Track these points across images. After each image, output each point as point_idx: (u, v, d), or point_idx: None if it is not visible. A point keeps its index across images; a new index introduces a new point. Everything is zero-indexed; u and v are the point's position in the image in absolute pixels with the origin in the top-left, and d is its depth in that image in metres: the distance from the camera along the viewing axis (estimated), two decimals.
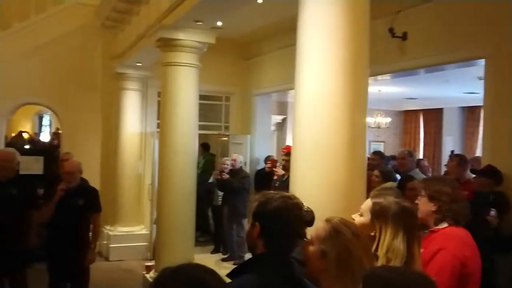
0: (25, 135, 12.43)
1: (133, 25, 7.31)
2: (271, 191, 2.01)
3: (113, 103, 8.43)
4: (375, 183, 5.00)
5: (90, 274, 5.15)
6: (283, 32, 6.72)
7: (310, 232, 1.98)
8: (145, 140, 8.42)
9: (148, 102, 8.50)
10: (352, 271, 1.83)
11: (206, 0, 4.70)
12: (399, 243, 2.11)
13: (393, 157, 7.41)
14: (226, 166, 7.66)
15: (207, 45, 5.92)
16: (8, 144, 8.46)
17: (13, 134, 11.92)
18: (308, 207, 2.04)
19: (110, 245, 7.98)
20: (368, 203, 2.32)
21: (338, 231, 1.93)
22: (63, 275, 5.02)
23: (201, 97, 6.47)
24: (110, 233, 8.10)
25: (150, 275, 6.43)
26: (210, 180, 8.30)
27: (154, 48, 6.02)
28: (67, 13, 8.34)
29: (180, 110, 5.80)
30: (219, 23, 5.67)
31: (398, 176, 5.27)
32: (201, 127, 7.26)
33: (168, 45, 5.76)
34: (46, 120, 14.97)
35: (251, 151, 8.81)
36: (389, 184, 4.83)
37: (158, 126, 6.52)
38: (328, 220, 1.98)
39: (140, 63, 7.76)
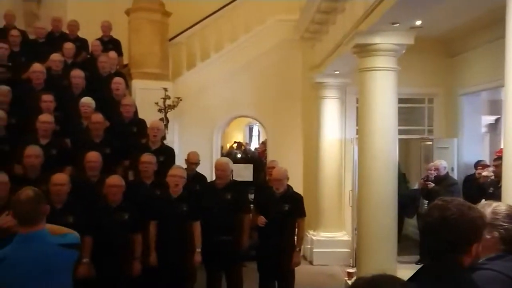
0: (236, 146, 13.76)
1: (330, 35, 7.47)
2: (447, 198, 1.83)
3: (313, 112, 8.71)
4: None
5: (295, 276, 5.40)
6: (492, 24, 6.09)
7: None
8: (344, 146, 8.49)
9: (347, 109, 8.57)
10: None
11: (404, 0, 4.53)
12: None
13: None
14: (431, 172, 7.26)
15: (405, 47, 5.71)
16: (227, 153, 9.47)
17: (228, 144, 13.26)
18: None
19: (314, 250, 8.23)
20: None
21: None
22: (271, 275, 5.37)
23: (401, 100, 6.25)
24: (314, 237, 8.36)
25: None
26: (416, 187, 7.94)
27: (351, 55, 6.04)
28: (269, 30, 8.96)
29: (378, 116, 5.70)
30: (418, 22, 5.40)
31: None
32: (401, 132, 7.01)
33: (364, 50, 5.71)
34: (255, 131, 16.21)
35: (458, 155, 8.16)
36: None
37: (357, 132, 6.51)
38: None
39: (338, 71, 7.87)
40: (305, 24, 8.22)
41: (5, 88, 5.85)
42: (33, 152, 4.82)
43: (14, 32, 7.32)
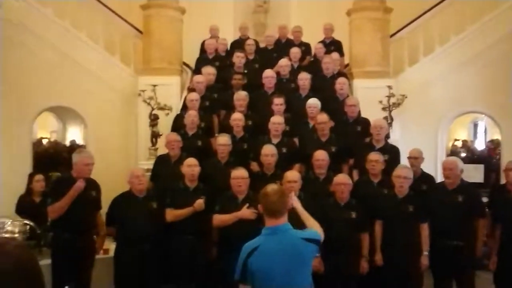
0: (462, 144, 12.79)
1: None
2: None
3: None
4: None
5: None
6: None
7: None
8: None
9: None
10: None
11: None
12: None
13: None
14: None
15: None
16: (452, 152, 8.85)
17: (450, 143, 12.41)
18: None
19: None
20: None
21: None
22: None
23: None
24: None
25: None
26: None
27: None
28: (502, 16, 8.07)
29: None
30: None
31: None
32: None
33: None
34: (481, 128, 14.85)
35: None
36: None
37: None
38: None
39: None
40: None
41: (243, 93, 6.52)
42: (269, 151, 5.27)
43: (249, 41, 8.13)
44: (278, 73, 7.11)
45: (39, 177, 5.95)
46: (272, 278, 2.72)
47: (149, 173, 5.67)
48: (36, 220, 5.07)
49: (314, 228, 3.03)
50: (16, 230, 4.85)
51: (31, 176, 6.02)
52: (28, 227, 4.97)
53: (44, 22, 7.51)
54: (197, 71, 7.74)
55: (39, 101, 7.60)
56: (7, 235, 4.76)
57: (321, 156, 5.25)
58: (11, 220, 4.83)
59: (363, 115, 6.51)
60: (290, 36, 8.65)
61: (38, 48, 7.42)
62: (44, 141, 11.42)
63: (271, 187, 2.92)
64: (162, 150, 6.53)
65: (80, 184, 4.55)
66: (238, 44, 8.35)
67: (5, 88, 7.12)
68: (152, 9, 8.24)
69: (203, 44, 8.24)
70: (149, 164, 6.25)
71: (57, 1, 7.72)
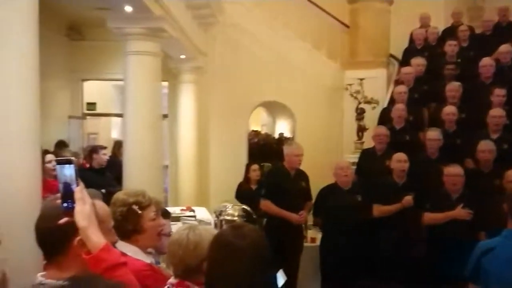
0: None
1: None
2: None
3: None
4: None
5: None
6: None
7: None
8: None
9: None
10: None
11: None
12: None
13: None
14: None
15: None
16: None
17: None
18: None
19: None
20: None
21: None
22: None
23: None
24: None
25: None
26: None
27: None
28: None
29: None
30: None
31: None
32: None
33: None
34: None
35: None
36: None
37: None
38: None
39: None
40: None
41: (456, 84, 6.10)
42: (487, 147, 4.84)
43: (462, 28, 7.55)
44: (497, 61, 6.43)
45: (255, 166, 6.54)
46: (505, 285, 2.50)
47: (354, 167, 5.71)
48: (252, 206, 5.54)
49: None
50: (236, 213, 5.37)
51: (248, 166, 6.63)
52: (245, 212, 5.46)
53: (258, 23, 8.14)
54: (404, 62, 7.48)
55: (255, 97, 8.30)
56: (227, 217, 5.31)
57: None
58: (231, 205, 5.37)
59: None
60: None
61: (252, 48, 8.08)
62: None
63: None
64: (367, 144, 6.50)
65: (299, 219, 4.87)
66: (451, 32, 7.78)
67: (228, 86, 7.99)
68: (359, 3, 8.24)
69: (411, 34, 7.92)
70: (354, 157, 6.28)
71: (268, 1, 8.27)
